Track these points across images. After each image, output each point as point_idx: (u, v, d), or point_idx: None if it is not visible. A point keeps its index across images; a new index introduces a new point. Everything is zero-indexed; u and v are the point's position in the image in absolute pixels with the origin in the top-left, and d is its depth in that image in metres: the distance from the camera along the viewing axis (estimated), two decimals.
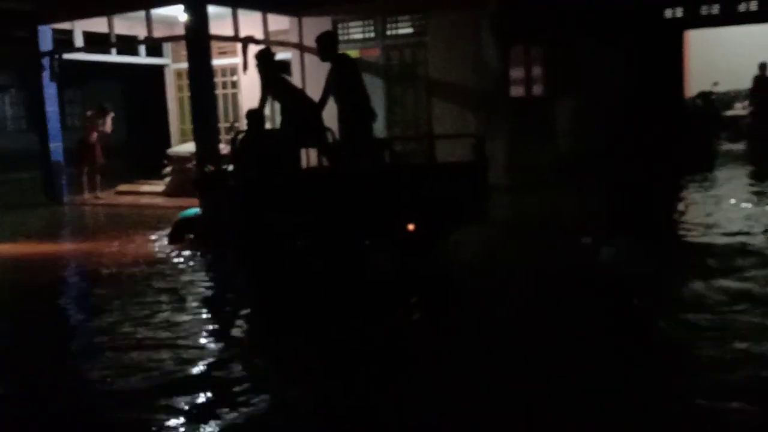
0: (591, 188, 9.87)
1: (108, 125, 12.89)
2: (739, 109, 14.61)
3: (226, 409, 3.90)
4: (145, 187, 13.31)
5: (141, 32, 12.43)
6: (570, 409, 3.71)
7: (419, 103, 12.08)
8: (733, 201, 8.95)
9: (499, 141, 10.78)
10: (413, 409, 3.82)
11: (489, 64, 11.28)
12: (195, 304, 6.06)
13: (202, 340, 5.10)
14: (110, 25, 11.84)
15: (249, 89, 12.54)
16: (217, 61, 13.08)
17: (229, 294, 6.60)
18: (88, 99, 17.25)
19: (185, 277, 6.88)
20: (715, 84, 14.47)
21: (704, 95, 13.84)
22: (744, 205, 8.74)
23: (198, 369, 4.50)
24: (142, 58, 13.37)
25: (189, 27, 10.75)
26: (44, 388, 4.39)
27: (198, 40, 10.77)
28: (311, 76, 11.83)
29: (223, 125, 13.26)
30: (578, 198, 9.65)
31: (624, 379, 4.05)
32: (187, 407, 3.95)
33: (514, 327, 5.05)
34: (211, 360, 4.68)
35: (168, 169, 12.76)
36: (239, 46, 11.60)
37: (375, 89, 12.02)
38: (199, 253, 7.71)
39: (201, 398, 4.07)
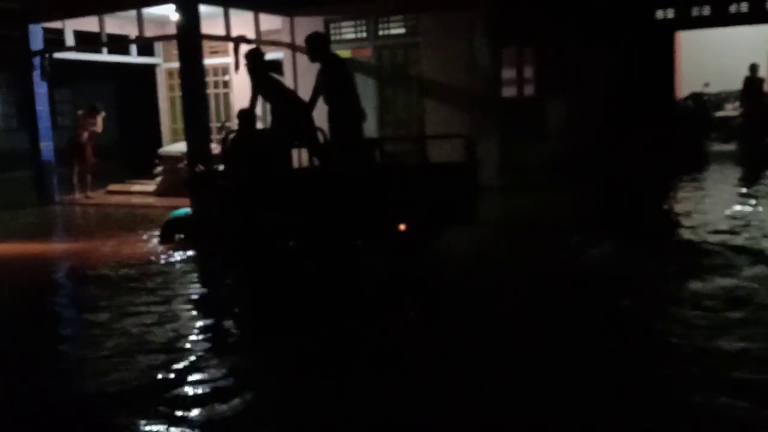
0: (582, 188, 9.89)
1: (99, 125, 12.85)
2: (730, 110, 14.66)
3: (216, 409, 3.89)
4: (136, 187, 13.27)
5: (132, 31, 12.40)
6: (566, 408, 3.71)
7: (411, 104, 12.08)
8: (722, 201, 8.98)
9: (491, 141, 10.81)
10: (407, 408, 3.81)
11: (481, 65, 11.29)
12: (184, 303, 6.02)
13: (191, 340, 5.08)
14: (101, 25, 11.80)
15: (240, 89, 12.50)
16: (209, 61, 13.05)
17: (220, 294, 6.57)
18: (79, 98, 17.15)
19: (175, 277, 6.86)
20: (706, 85, 14.54)
21: (695, 96, 13.91)
22: (733, 204, 8.77)
23: (186, 368, 4.48)
24: (134, 58, 13.33)
25: (180, 26, 10.72)
26: (33, 388, 4.37)
27: (189, 40, 10.73)
28: (303, 76, 11.81)
29: (214, 125, 13.23)
30: (569, 198, 9.67)
31: (617, 377, 4.05)
32: (174, 406, 3.92)
33: (506, 326, 5.06)
34: (200, 360, 4.65)
35: (159, 169, 12.72)
36: (231, 45, 11.57)
37: (367, 89, 12.04)
38: (189, 253, 7.68)
39: (189, 398, 4.05)
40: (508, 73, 11.75)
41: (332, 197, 7.01)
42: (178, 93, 13.66)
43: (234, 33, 11.42)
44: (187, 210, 8.11)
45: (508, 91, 11.76)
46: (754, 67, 13.24)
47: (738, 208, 8.61)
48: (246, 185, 7.26)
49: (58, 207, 12.34)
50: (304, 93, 8.09)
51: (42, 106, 12.53)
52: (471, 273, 6.58)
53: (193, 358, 4.68)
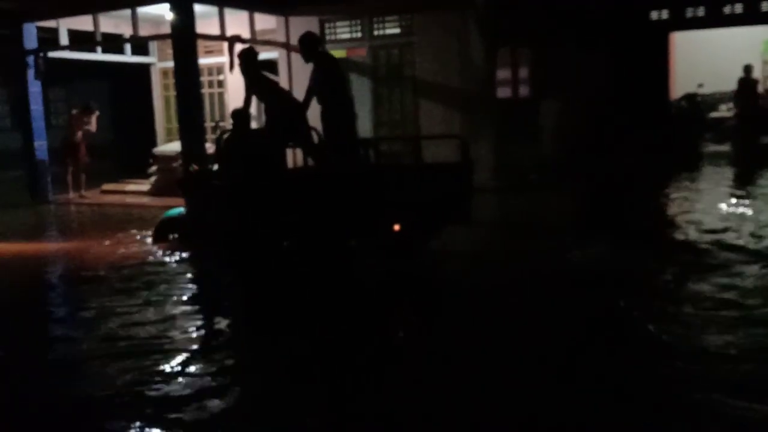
0: (576, 189, 9.91)
1: (93, 124, 12.81)
2: (724, 110, 14.70)
3: (209, 410, 3.88)
4: (131, 187, 13.24)
5: (127, 31, 12.36)
6: (566, 408, 3.71)
7: (406, 104, 12.08)
8: (716, 201, 9.00)
9: (486, 142, 10.81)
10: (405, 408, 3.80)
11: (476, 65, 11.30)
12: (176, 304, 5.99)
13: (183, 341, 5.06)
14: (96, 24, 11.76)
15: (235, 88, 12.48)
16: (204, 60, 13.04)
17: (213, 294, 6.56)
18: (73, 97, 17.13)
19: (168, 278, 6.83)
20: (700, 86, 14.57)
21: (689, 97, 13.95)
22: (727, 204, 8.81)
23: (178, 370, 4.47)
24: (128, 57, 13.30)
25: (175, 26, 10.70)
26: (22, 386, 4.36)
27: (184, 39, 10.72)
28: (298, 76, 11.80)
29: (209, 124, 13.21)
30: (564, 198, 9.69)
31: (617, 377, 4.06)
32: (165, 407, 3.91)
33: (505, 326, 5.05)
34: (192, 361, 4.65)
35: (154, 169, 12.69)
36: (226, 45, 11.56)
37: (362, 89, 12.05)
38: (183, 253, 7.66)
39: (181, 399, 4.03)
40: (503, 74, 11.77)
41: (327, 197, 7.01)
42: (172, 92, 13.63)
43: (229, 32, 11.40)
44: (181, 210, 8.09)
45: (503, 92, 11.78)
46: (748, 68, 13.29)
47: (732, 207, 8.64)
48: (240, 185, 7.25)
49: (51, 206, 12.29)
50: (300, 93, 8.08)
51: (36, 105, 12.49)
52: (467, 273, 6.57)
53: (184, 359, 4.66)
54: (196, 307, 5.99)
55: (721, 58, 14.36)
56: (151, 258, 7.60)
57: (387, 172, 7.52)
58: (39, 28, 12.51)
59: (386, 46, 12.16)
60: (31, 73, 12.34)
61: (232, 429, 3.73)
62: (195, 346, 4.97)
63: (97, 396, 4.15)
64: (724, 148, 13.63)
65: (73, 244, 8.88)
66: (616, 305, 5.39)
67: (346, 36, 12.38)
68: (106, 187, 13.41)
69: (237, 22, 11.77)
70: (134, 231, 9.15)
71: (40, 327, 5.75)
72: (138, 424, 3.75)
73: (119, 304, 5.96)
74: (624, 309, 5.34)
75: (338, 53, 11.82)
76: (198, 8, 10.81)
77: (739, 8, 11.20)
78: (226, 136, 7.74)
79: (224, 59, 12.06)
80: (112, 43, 12.84)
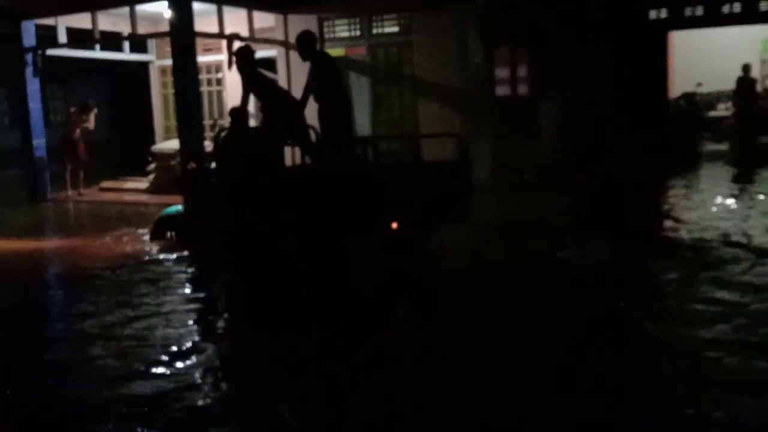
0: (575, 188, 9.91)
1: (91, 122, 12.80)
2: (722, 110, 14.71)
3: (206, 409, 3.88)
4: (129, 184, 13.23)
5: (125, 28, 12.34)
6: (566, 407, 3.70)
7: (405, 102, 12.07)
8: (715, 199, 9.02)
9: (485, 141, 10.81)
10: (403, 407, 3.80)
11: (475, 64, 11.28)
12: (173, 302, 5.98)
13: (179, 339, 5.05)
14: (94, 21, 11.74)
15: (234, 86, 12.44)
16: (202, 58, 13.02)
17: (210, 292, 6.55)
18: (72, 95, 17.09)
19: (165, 275, 6.82)
20: (699, 85, 14.59)
21: (688, 96, 13.96)
22: (725, 203, 8.82)
23: (172, 367, 4.47)
24: (126, 55, 13.30)
25: (174, 23, 10.69)
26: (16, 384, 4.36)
27: (183, 37, 10.70)
28: (297, 74, 11.79)
29: (207, 122, 13.20)
30: (563, 198, 9.69)
31: (617, 377, 4.06)
32: (160, 406, 3.91)
33: (504, 326, 5.04)
34: (188, 359, 4.65)
35: (152, 166, 12.69)
36: (224, 43, 11.54)
37: (361, 88, 12.04)
38: (180, 251, 7.66)
39: (178, 396, 4.03)
40: (501, 72, 11.76)
41: (325, 196, 7.01)
42: (171, 90, 13.62)
43: (227, 30, 11.40)
44: (178, 207, 8.09)
45: (502, 90, 11.77)
46: (746, 68, 13.30)
47: (731, 206, 8.65)
48: (238, 183, 7.24)
49: (50, 204, 12.29)
50: (298, 91, 8.08)
51: (34, 103, 12.48)
52: (466, 272, 6.56)
53: (180, 357, 4.65)
54: (193, 306, 5.99)
55: (720, 57, 14.37)
56: (148, 256, 7.59)
57: (385, 171, 7.52)
58: (37, 26, 12.48)
59: (385, 44, 12.15)
60: (29, 70, 12.32)
61: (230, 428, 3.72)
62: (191, 345, 4.95)
63: (88, 395, 4.15)
64: (723, 147, 13.64)
65: (71, 241, 8.87)
66: (616, 304, 5.39)
67: (345, 34, 12.37)
68: (105, 184, 13.40)
69: (236, 20, 11.76)
70: (132, 229, 9.15)
71: (34, 325, 5.75)
72: (132, 423, 3.74)
73: (114, 302, 5.96)
74: (623, 308, 5.35)
75: (337, 52, 11.82)
76: (196, 6, 10.80)
77: (737, 7, 11.20)
78: (223, 134, 7.74)
79: (223, 57, 12.06)
80: (111, 40, 12.83)
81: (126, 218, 10.20)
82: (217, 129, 9.64)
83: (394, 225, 6.83)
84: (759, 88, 13.97)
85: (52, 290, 7.05)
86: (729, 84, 13.60)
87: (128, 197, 12.38)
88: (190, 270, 7.19)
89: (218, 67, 13.72)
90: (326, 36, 12.32)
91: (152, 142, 14.02)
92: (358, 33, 12.25)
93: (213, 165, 7.91)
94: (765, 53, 15.47)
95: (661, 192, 9.84)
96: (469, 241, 7.39)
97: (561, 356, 4.40)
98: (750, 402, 3.64)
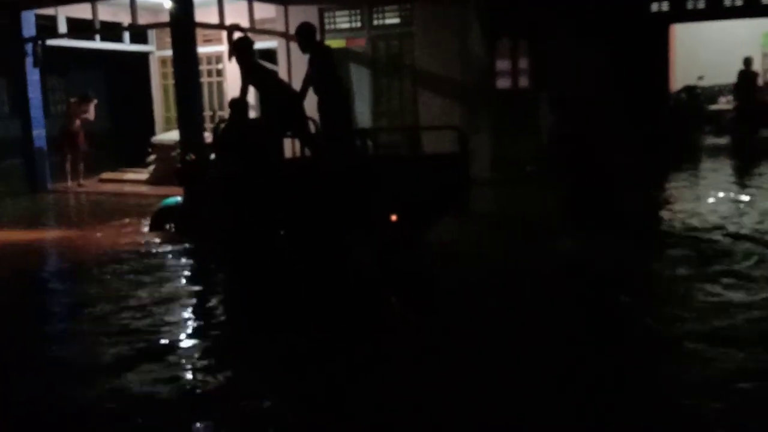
0: (574, 182, 9.86)
1: (91, 113, 12.79)
2: (724, 103, 14.68)
3: (204, 405, 3.88)
4: (129, 175, 13.23)
5: (125, 19, 12.32)
6: (565, 407, 3.68)
7: (405, 94, 12.04)
8: (715, 193, 9.02)
9: (485, 133, 10.79)
10: (401, 405, 3.77)
11: (475, 56, 11.26)
12: (169, 295, 5.94)
13: (176, 335, 5.04)
14: (94, 12, 11.72)
15: (234, 77, 12.34)
16: (202, 49, 12.99)
17: (208, 286, 6.54)
18: (72, 86, 17.01)
19: (162, 267, 6.83)
20: (700, 78, 14.54)
21: (689, 89, 13.91)
22: (726, 196, 8.83)
23: (168, 362, 4.44)
24: (127, 45, 13.28)
25: (174, 14, 10.66)
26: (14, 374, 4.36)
27: (183, 28, 10.67)
28: (297, 65, 11.74)
29: (208, 113, 13.18)
30: (561, 192, 9.65)
31: (617, 377, 4.04)
32: (160, 403, 3.91)
33: (503, 322, 5.00)
34: (185, 354, 4.65)
35: (152, 158, 12.69)
36: (225, 34, 11.52)
37: (361, 79, 12.02)
38: (179, 243, 7.65)
39: (175, 393, 4.03)
40: (502, 65, 11.72)
41: (324, 187, 6.99)
42: (171, 81, 13.60)
43: (228, 21, 11.37)
44: (178, 199, 8.08)
45: (503, 83, 11.74)
46: (747, 61, 13.25)
47: (731, 199, 8.66)
48: (236, 175, 7.23)
49: (50, 195, 12.29)
50: (298, 82, 8.06)
51: (34, 93, 12.46)
52: (464, 267, 6.50)
53: (176, 352, 4.65)
54: (190, 300, 5.95)
55: (721, 50, 14.32)
56: (146, 248, 7.58)
57: (384, 163, 7.51)
58: (37, 16, 12.46)
59: (386, 36, 12.12)
60: (29, 61, 12.29)
61: (228, 427, 3.70)
62: (187, 340, 4.94)
63: (85, 391, 4.12)
64: (723, 140, 13.62)
65: (70, 232, 8.88)
66: (616, 300, 5.39)
67: (346, 26, 12.33)
68: (105, 175, 13.40)
69: (236, 11, 11.73)
70: (132, 220, 9.15)
71: (32, 316, 5.75)
72: (128, 421, 3.71)
73: (112, 294, 5.94)
74: (624, 304, 5.34)
75: (337, 43, 11.80)
76: None
77: (739, 0, 11.16)
78: (223, 125, 7.73)
79: (223, 48, 12.03)
80: (111, 31, 12.81)
81: (126, 209, 10.19)
82: (216, 120, 9.61)
83: (394, 217, 6.82)
84: (760, 81, 13.92)
85: (49, 281, 7.03)
86: (730, 77, 13.55)
87: (128, 188, 12.38)
88: (188, 262, 7.18)
89: (218, 58, 13.70)
90: (327, 27, 12.29)
91: (152, 133, 14.02)
92: (358, 24, 12.21)
93: (212, 156, 7.89)
94: (766, 47, 15.42)
95: (661, 186, 9.82)
96: (468, 235, 7.35)
97: (560, 354, 4.36)
98: (752, 401, 3.63)
